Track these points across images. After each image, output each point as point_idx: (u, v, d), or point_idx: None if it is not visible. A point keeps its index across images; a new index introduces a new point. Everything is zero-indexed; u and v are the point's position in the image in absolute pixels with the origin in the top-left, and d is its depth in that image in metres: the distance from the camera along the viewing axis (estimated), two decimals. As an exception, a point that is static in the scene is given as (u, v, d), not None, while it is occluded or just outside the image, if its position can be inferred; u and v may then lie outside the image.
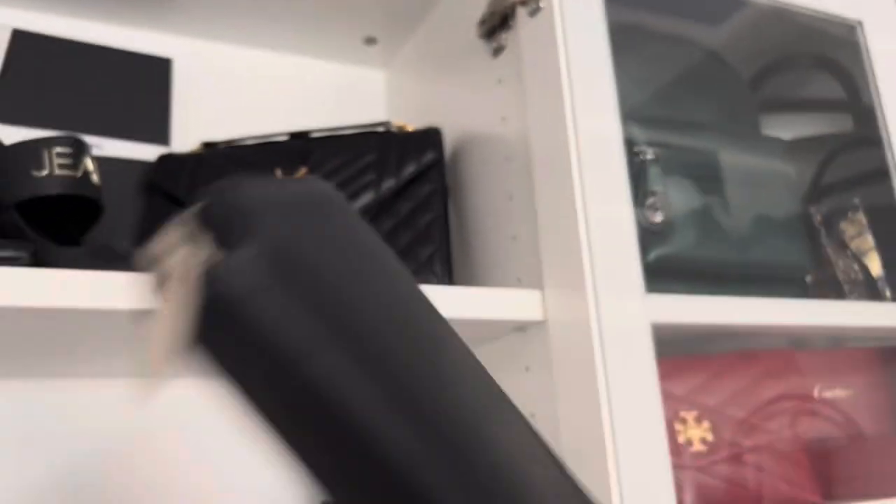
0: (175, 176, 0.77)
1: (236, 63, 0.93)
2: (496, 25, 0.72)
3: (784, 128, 0.91)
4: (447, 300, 0.61)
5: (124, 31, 0.88)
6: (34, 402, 0.73)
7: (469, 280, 0.77)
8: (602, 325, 0.59)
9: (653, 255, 0.69)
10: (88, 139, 0.77)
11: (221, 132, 0.89)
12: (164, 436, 0.77)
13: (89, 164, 0.64)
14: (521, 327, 0.66)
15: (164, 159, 0.79)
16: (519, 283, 0.68)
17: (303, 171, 0.75)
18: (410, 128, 0.79)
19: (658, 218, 0.70)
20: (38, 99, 0.77)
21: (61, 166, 0.62)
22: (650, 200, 0.70)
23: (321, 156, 0.76)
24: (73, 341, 0.60)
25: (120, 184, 0.79)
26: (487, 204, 0.75)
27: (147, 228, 0.76)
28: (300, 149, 0.77)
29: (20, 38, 0.78)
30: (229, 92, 0.92)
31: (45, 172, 0.61)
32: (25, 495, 0.71)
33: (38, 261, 0.56)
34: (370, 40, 0.94)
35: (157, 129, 0.83)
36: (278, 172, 0.75)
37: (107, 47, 0.83)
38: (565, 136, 0.62)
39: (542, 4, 0.66)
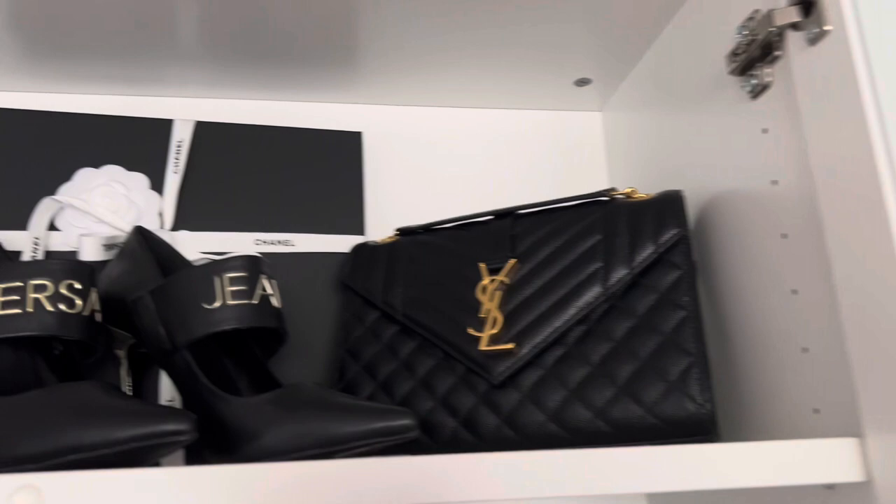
0: (367, 273, 0.67)
1: (428, 127, 0.82)
2: (755, 58, 0.54)
3: None
4: (718, 461, 0.44)
5: (303, 106, 0.80)
6: None
7: (734, 411, 0.59)
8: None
9: None
10: (277, 237, 0.70)
11: (419, 207, 0.78)
12: None
13: (267, 286, 0.55)
14: (828, 487, 0.47)
15: (358, 252, 0.69)
16: (817, 414, 0.49)
17: (511, 262, 0.61)
18: (640, 195, 0.62)
19: None
20: (221, 196, 0.71)
21: (235, 294, 0.53)
22: None
23: (532, 242, 0.62)
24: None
25: (314, 279, 0.70)
26: (756, 298, 0.56)
27: (346, 328, 0.66)
28: (506, 233, 0.63)
29: (202, 130, 0.72)
30: (424, 159, 0.81)
31: (217, 304, 0.52)
32: None
33: (210, 421, 0.47)
34: (582, 81, 0.79)
35: (351, 216, 0.73)
36: (483, 267, 0.62)
37: (288, 127, 0.75)
38: (882, 208, 0.43)
39: (826, 27, 0.47)
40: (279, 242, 0.71)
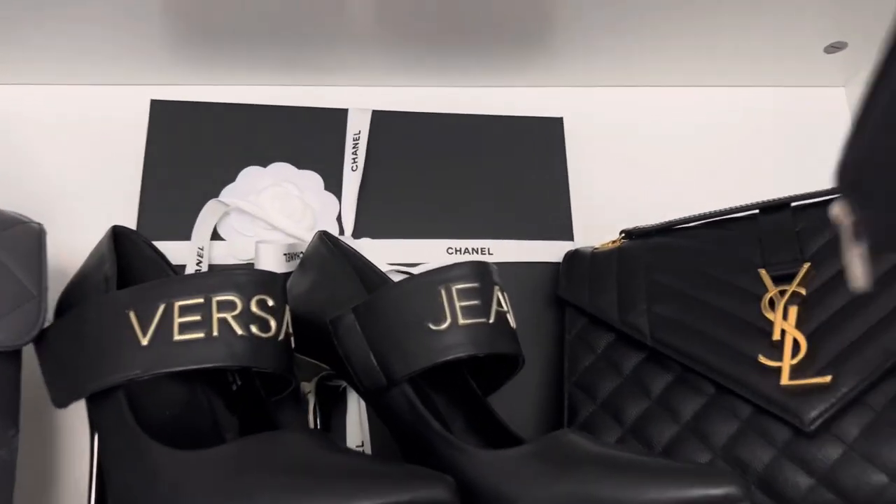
0: (592, 286, 0.53)
1: (640, 111, 0.68)
2: None
3: None
4: None
5: (490, 91, 0.68)
6: None
7: None
8: None
9: None
10: (472, 244, 0.58)
11: (631, 204, 0.65)
12: None
13: (501, 300, 0.42)
14: None
15: (572, 261, 0.56)
16: None
17: (805, 267, 0.46)
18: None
19: None
20: (404, 198, 0.59)
21: (466, 311, 0.40)
22: None
23: (828, 240, 0.47)
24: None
25: (516, 294, 0.57)
26: None
27: (571, 355, 0.53)
28: (788, 230, 0.49)
29: (378, 120, 0.61)
30: (635, 149, 0.67)
31: (445, 324, 0.40)
32: None
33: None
34: (835, 47, 0.64)
35: (555, 217, 0.60)
36: (764, 274, 0.47)
37: (476, 115, 0.63)
38: None
39: None
40: (475, 251, 0.58)
